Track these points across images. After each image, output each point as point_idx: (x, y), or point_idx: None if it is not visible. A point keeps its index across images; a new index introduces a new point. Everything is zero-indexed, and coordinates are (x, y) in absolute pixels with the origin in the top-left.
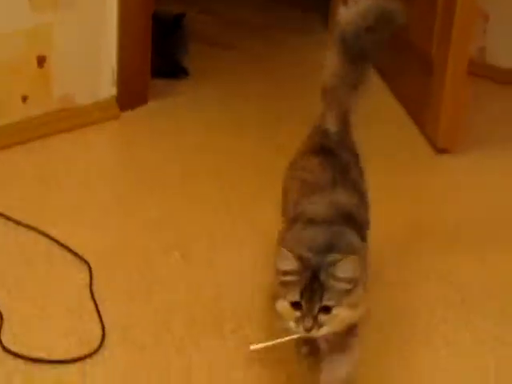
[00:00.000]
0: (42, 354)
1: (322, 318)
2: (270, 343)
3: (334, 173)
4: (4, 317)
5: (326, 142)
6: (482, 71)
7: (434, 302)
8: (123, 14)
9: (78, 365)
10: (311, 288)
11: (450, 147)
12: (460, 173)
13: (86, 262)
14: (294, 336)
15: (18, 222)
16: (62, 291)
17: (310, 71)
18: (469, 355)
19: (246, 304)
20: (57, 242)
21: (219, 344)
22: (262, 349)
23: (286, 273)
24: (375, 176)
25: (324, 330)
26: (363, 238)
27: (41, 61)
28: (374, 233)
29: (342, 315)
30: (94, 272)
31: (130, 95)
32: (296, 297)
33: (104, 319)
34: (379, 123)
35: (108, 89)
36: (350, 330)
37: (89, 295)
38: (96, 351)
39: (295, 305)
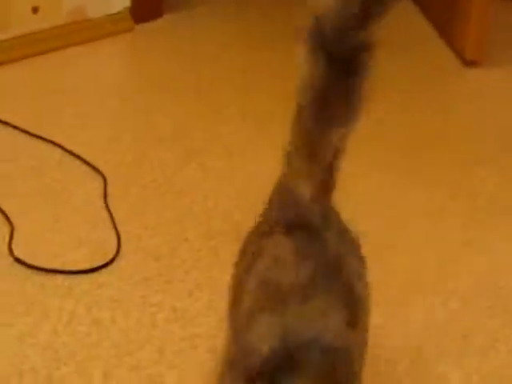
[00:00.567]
0: (56, 265)
1: None
2: None
3: (314, 269)
4: (16, 228)
5: (303, 213)
6: None
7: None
8: None
9: (92, 275)
10: None
11: (478, 59)
12: (488, 85)
13: (101, 173)
14: None
15: (31, 134)
16: (75, 202)
17: None
18: None
19: None
20: (71, 153)
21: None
22: None
23: None
24: (402, 93)
25: None
26: None
27: None
28: (402, 143)
29: None
30: (108, 183)
31: (144, 7)
32: None
33: (119, 230)
34: (404, 38)
35: (121, 1)
36: None
37: (103, 206)
38: (111, 261)
39: None
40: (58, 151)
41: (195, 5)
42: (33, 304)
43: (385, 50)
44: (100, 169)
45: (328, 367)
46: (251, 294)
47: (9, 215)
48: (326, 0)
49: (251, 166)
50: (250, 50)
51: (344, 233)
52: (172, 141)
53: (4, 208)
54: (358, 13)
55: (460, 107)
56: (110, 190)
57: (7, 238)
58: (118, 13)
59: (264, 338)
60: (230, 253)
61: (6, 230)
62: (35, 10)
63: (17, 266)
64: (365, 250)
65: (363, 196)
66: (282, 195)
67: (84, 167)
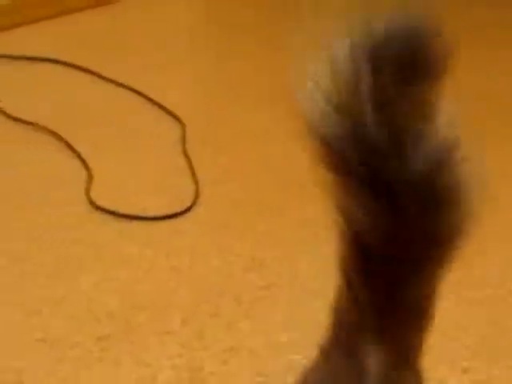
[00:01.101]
0: (134, 212)
1: None
2: None
3: None
4: (94, 174)
5: None
6: None
7: None
8: None
9: (170, 222)
10: None
11: None
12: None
13: (179, 120)
14: None
15: (109, 80)
16: (154, 148)
17: None
18: None
19: None
20: (148, 98)
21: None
22: None
23: None
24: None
25: None
26: None
27: None
28: None
29: None
30: (186, 130)
31: None
32: None
33: (197, 176)
34: None
35: None
36: None
37: (182, 152)
38: (189, 208)
39: None
40: (135, 97)
41: None
42: (112, 251)
43: None
44: (177, 114)
45: None
46: None
47: (87, 162)
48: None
49: None
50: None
51: None
52: (246, 85)
53: (82, 155)
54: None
55: None
56: (187, 135)
57: (86, 185)
58: None
59: None
60: (309, 197)
61: (84, 176)
62: None
63: (96, 212)
64: None
65: None
66: (334, 361)
67: (162, 113)
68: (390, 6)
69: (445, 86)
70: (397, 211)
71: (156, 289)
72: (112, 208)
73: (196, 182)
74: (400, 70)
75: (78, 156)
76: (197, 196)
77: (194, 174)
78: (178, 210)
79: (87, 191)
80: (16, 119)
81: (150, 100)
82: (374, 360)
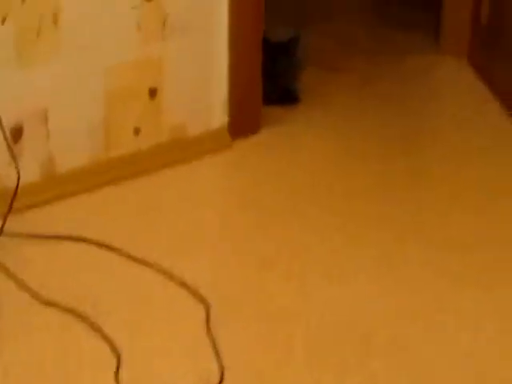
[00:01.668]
0: None
1: None
2: None
3: None
4: (122, 356)
5: None
6: None
7: None
8: (233, 41)
9: None
10: None
11: None
12: None
13: (204, 300)
14: None
15: (134, 259)
16: (180, 329)
17: (429, 92)
18: None
19: None
20: (173, 278)
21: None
22: None
23: None
24: None
25: None
26: None
27: (152, 92)
28: None
29: None
30: (210, 309)
31: (241, 124)
32: None
33: (222, 358)
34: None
35: (219, 118)
36: None
37: (206, 333)
38: None
39: None
40: (160, 277)
41: (293, 120)
42: None
43: None
44: (201, 292)
45: None
46: None
47: (115, 343)
48: None
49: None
50: (351, 171)
51: None
52: (272, 263)
53: (110, 336)
54: None
55: None
56: (212, 314)
57: (114, 368)
58: (216, 130)
59: None
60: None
61: (112, 358)
62: (137, 131)
63: None
64: None
65: None
66: None
67: (187, 293)
68: None
69: None
70: None
71: None
72: None
73: (221, 365)
74: None
75: (105, 338)
76: (222, 378)
77: (218, 356)
78: None
79: (116, 374)
80: (48, 303)
81: (173, 279)
82: None
